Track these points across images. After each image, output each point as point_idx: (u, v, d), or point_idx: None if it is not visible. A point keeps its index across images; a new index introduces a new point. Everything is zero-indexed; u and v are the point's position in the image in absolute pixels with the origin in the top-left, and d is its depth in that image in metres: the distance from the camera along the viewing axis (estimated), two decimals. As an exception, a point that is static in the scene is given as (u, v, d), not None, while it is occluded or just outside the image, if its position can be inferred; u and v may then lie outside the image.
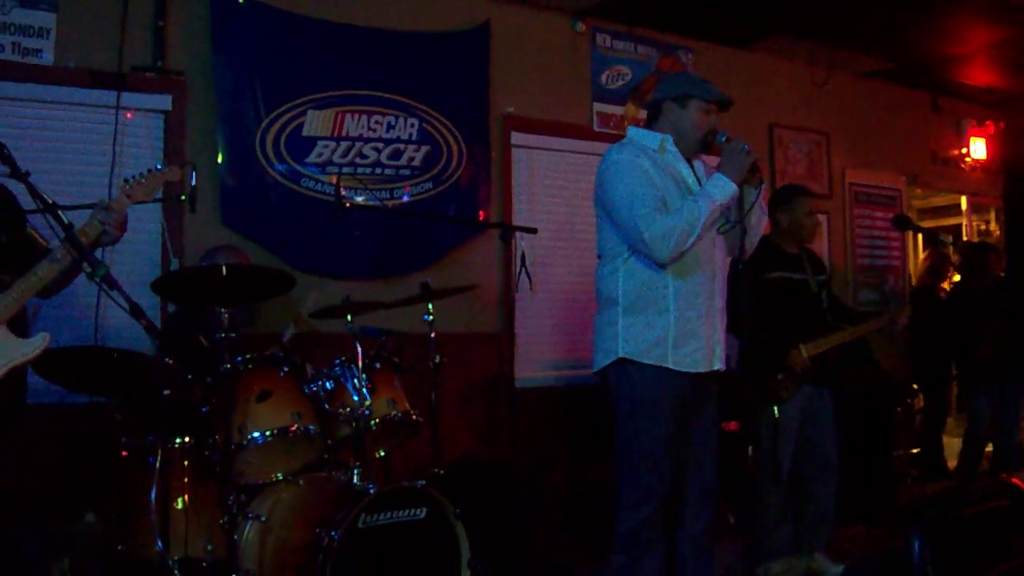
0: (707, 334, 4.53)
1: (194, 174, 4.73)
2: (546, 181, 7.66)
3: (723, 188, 4.42)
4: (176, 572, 4.48)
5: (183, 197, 4.77)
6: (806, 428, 5.80)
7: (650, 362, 4.49)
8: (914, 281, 10.03)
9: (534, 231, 5.92)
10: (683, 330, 4.48)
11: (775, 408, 5.59)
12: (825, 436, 5.85)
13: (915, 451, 9.30)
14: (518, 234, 6.03)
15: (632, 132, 4.83)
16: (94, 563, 5.12)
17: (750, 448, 4.59)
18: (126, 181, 4.11)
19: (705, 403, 4.64)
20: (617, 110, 7.93)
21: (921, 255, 10.27)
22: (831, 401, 5.92)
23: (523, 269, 5.67)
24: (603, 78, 7.96)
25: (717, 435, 4.59)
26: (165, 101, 6.19)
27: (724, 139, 4.55)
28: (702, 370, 4.52)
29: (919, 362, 9.08)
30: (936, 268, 9.16)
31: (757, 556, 5.68)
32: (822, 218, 8.97)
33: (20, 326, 3.83)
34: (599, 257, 4.75)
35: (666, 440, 4.51)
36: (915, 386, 9.38)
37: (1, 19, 5.73)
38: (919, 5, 7.70)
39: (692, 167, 4.70)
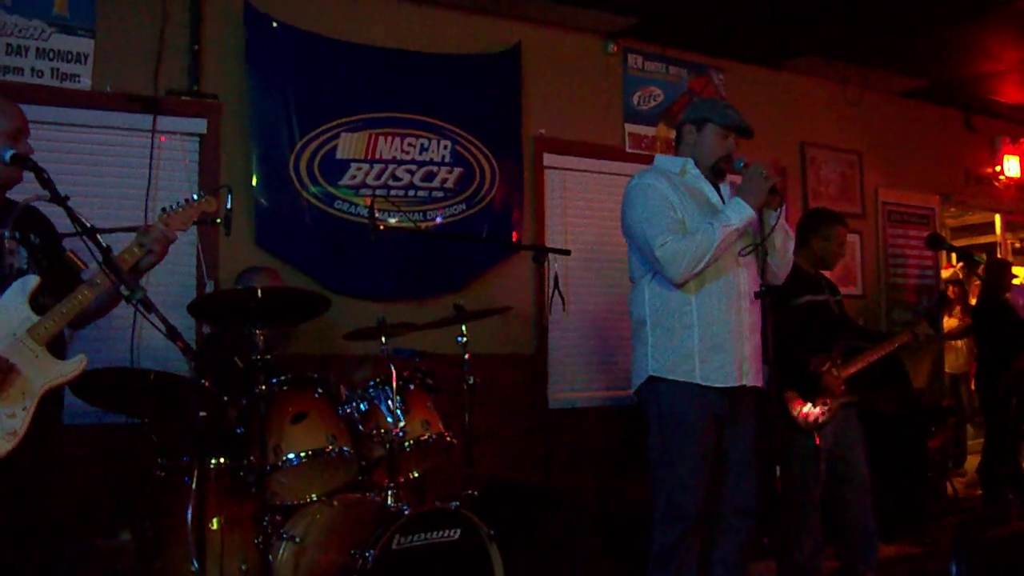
0: (735, 348, 4.55)
1: (229, 197, 4.77)
2: (578, 202, 7.67)
3: (740, 212, 4.48)
4: (211, 593, 4.50)
5: (218, 220, 4.81)
6: (838, 447, 5.80)
7: (679, 378, 4.54)
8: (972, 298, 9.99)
9: (567, 253, 5.93)
10: (709, 344, 4.51)
11: (814, 434, 5.60)
12: (856, 454, 5.87)
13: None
14: (551, 255, 6.04)
15: (657, 159, 4.95)
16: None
17: (778, 468, 4.57)
18: (164, 210, 4.13)
19: (741, 421, 4.63)
20: (649, 131, 7.94)
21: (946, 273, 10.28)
22: (860, 419, 5.92)
23: (556, 291, 5.67)
24: (635, 99, 7.97)
25: (755, 455, 4.57)
26: (200, 124, 6.24)
27: (742, 164, 4.62)
28: (732, 384, 4.54)
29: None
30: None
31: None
32: (855, 237, 8.96)
33: (59, 348, 3.86)
34: (632, 281, 4.80)
35: (698, 458, 4.52)
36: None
37: (40, 45, 5.80)
38: (952, 23, 7.67)
39: (718, 189, 4.73)
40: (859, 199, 9.42)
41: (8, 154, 3.74)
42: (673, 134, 5.00)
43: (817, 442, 5.61)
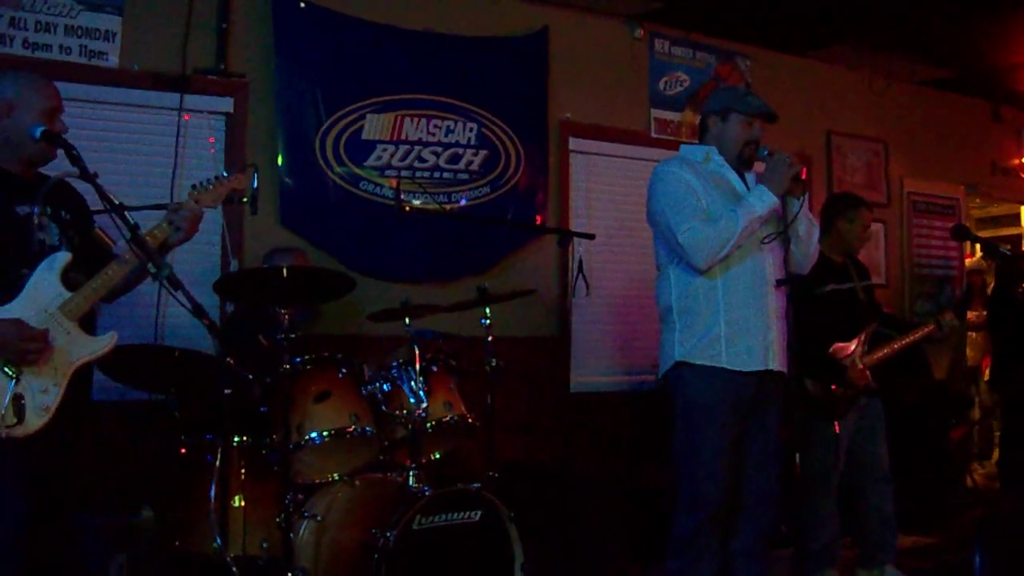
0: (761, 332, 4.56)
1: (255, 176, 4.79)
2: (603, 187, 7.66)
3: (763, 199, 4.50)
4: (234, 569, 4.51)
5: (245, 199, 4.83)
6: (859, 438, 5.80)
7: (705, 363, 4.56)
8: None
9: (592, 237, 5.91)
10: (735, 328, 4.53)
11: (835, 424, 5.60)
12: (877, 445, 5.87)
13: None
14: (575, 239, 6.05)
15: (681, 149, 4.98)
16: (151, 558, 5.18)
17: (797, 456, 4.56)
18: (194, 187, 4.16)
19: (765, 408, 4.62)
20: (675, 116, 7.93)
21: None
22: (883, 409, 5.91)
23: (580, 274, 5.67)
24: (661, 84, 7.95)
25: (778, 442, 4.57)
26: (227, 103, 6.25)
27: (766, 152, 4.63)
28: (758, 368, 4.55)
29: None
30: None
31: (807, 567, 5.68)
32: (879, 227, 8.92)
33: (89, 324, 3.90)
34: (658, 270, 4.82)
35: (722, 444, 4.52)
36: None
37: (68, 22, 5.81)
38: (980, 13, 7.62)
39: (743, 178, 4.74)
40: (884, 188, 9.39)
41: (39, 131, 3.77)
42: (699, 119, 5.00)
43: (837, 430, 5.60)
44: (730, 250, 4.47)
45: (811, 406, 5.61)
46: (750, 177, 4.80)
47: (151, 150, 6.06)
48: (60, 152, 3.86)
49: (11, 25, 5.68)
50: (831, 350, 5.63)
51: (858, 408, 5.74)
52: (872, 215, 6.18)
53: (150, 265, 3.63)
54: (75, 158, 3.70)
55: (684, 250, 4.50)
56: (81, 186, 3.97)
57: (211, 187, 4.17)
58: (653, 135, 7.86)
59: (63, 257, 3.77)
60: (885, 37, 8.31)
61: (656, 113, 7.92)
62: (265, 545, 4.75)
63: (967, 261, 10.34)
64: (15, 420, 3.50)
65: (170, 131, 6.07)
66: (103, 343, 3.82)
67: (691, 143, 5.11)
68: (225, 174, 4.28)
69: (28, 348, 3.57)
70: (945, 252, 9.91)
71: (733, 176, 4.75)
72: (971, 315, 10.01)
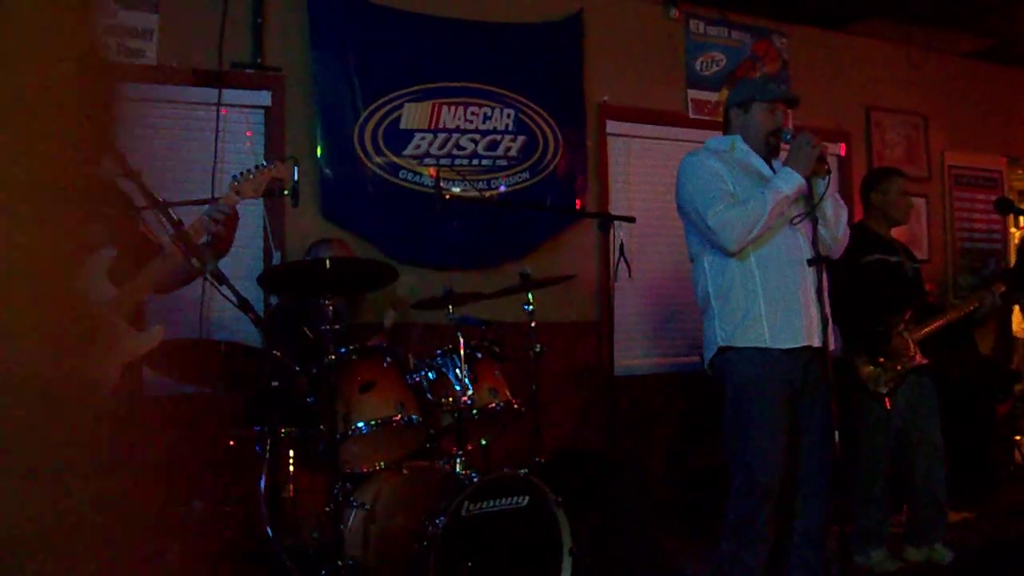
0: (802, 309, 4.54)
1: (296, 169, 4.82)
2: (642, 169, 7.65)
3: (789, 179, 4.51)
4: (286, 559, 4.55)
5: (286, 192, 4.86)
6: (910, 415, 5.77)
7: (748, 344, 4.55)
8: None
9: (632, 220, 5.89)
10: (775, 307, 4.53)
11: (886, 400, 5.58)
12: (930, 423, 5.82)
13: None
14: (615, 222, 6.04)
15: (707, 142, 4.96)
16: (202, 548, 5.23)
17: (836, 434, 4.53)
18: (234, 178, 4.18)
19: (815, 389, 4.59)
20: (712, 96, 7.89)
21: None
22: (934, 386, 5.88)
23: (622, 258, 5.66)
24: (697, 64, 7.92)
25: (831, 422, 4.54)
26: (265, 97, 6.30)
27: (790, 136, 4.65)
28: (801, 344, 4.53)
29: None
30: None
31: (856, 545, 5.66)
32: (920, 201, 8.85)
33: (137, 319, 3.93)
34: (691, 261, 4.85)
35: (774, 424, 4.51)
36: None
37: (107, 22, 5.86)
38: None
39: (770, 164, 4.75)
40: (924, 162, 9.30)
41: (80, 128, 3.79)
42: (722, 113, 5.02)
43: (888, 406, 5.59)
44: (760, 231, 4.47)
45: (860, 384, 5.60)
46: (776, 164, 4.79)
47: (190, 145, 6.12)
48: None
49: (50, 26, 5.73)
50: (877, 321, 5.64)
51: (908, 385, 5.71)
52: (906, 181, 6.14)
53: (194, 260, 3.64)
54: (117, 157, 3.72)
55: (714, 233, 4.50)
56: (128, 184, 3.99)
57: (252, 176, 4.19)
58: (691, 116, 7.83)
59: (109, 254, 3.80)
60: (923, 9, 8.22)
61: (693, 94, 7.89)
62: (315, 535, 4.78)
63: (1014, 232, 10.25)
64: (68, 417, 3.53)
65: (209, 126, 6.12)
66: (151, 337, 3.84)
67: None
68: (265, 163, 4.31)
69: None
70: (988, 225, 9.82)
71: (759, 162, 4.75)
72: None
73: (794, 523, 4.66)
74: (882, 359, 5.65)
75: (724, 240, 4.49)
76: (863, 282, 5.65)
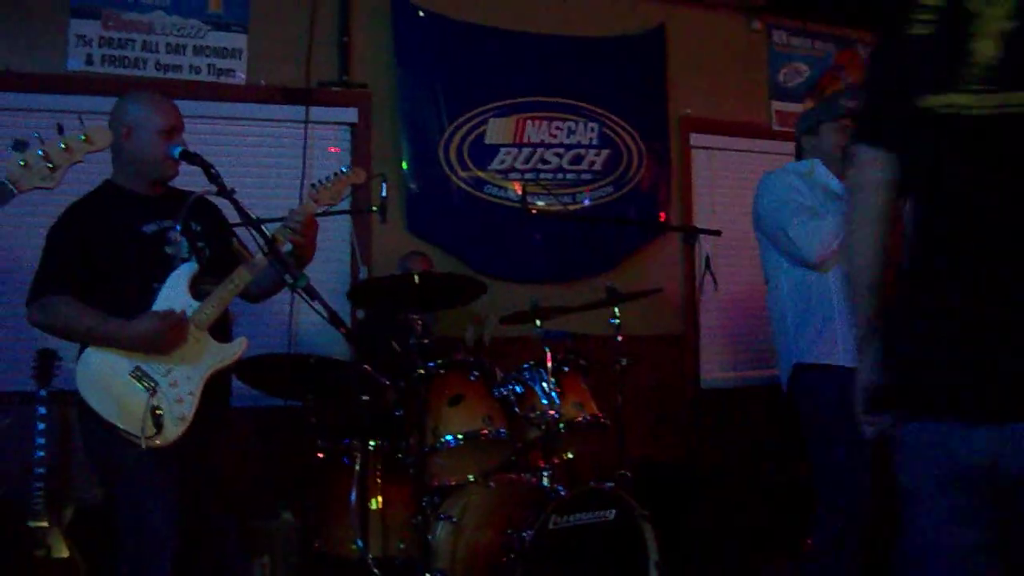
0: None
1: (384, 185, 4.89)
2: (726, 181, 7.63)
3: None
4: (375, 570, 4.59)
5: (375, 208, 4.94)
6: None
7: (823, 361, 4.49)
8: None
9: (718, 233, 5.86)
10: (851, 324, 4.46)
11: None
12: None
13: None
14: (700, 236, 6.03)
15: (786, 165, 4.89)
16: (292, 559, 5.31)
17: None
18: (312, 186, 4.22)
19: None
20: (796, 108, 7.82)
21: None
22: None
23: (708, 271, 5.65)
24: (781, 76, 7.89)
25: None
26: (351, 114, 6.40)
27: None
28: None
29: None
30: None
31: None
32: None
33: (224, 331, 4.01)
34: (766, 282, 4.83)
35: (858, 445, 4.44)
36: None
37: (197, 43, 6.00)
38: None
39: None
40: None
41: (177, 151, 3.87)
42: (795, 144, 4.98)
43: None
44: (840, 243, 4.43)
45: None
46: None
47: (279, 162, 6.24)
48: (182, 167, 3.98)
49: (144, 49, 5.90)
50: None
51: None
52: None
53: (287, 276, 3.69)
54: (213, 176, 3.78)
55: (795, 244, 4.45)
56: (216, 199, 4.06)
57: (329, 184, 4.23)
58: (774, 127, 7.80)
59: (190, 268, 3.88)
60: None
61: (777, 105, 7.86)
62: (402, 546, 4.82)
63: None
64: (154, 431, 3.60)
65: (297, 143, 6.24)
66: (233, 349, 3.92)
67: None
68: (344, 169, 4.34)
69: (170, 331, 3.69)
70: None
71: (838, 185, 4.69)
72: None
73: (900, 540, 4.61)
74: None
75: (805, 252, 4.45)
76: None
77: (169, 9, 5.98)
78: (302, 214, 4.06)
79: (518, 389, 5.11)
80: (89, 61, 5.81)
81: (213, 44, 6.06)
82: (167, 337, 3.69)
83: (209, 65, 6.05)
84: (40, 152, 3.29)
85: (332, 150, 6.40)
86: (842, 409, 4.44)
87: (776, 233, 4.58)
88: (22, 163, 3.26)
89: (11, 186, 3.25)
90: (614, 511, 4.67)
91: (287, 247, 3.99)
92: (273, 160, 6.24)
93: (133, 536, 3.71)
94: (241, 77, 6.13)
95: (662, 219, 7.14)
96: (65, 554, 4.91)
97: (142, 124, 3.90)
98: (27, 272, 3.79)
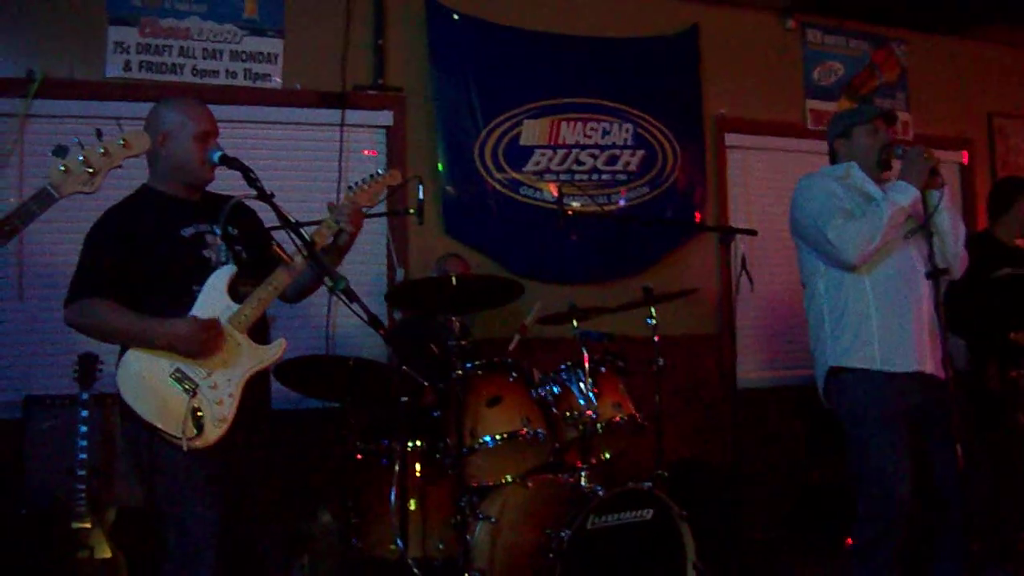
0: (915, 332, 4.50)
1: (420, 187, 4.92)
2: (761, 181, 7.63)
3: (905, 192, 4.48)
4: (416, 570, 4.62)
5: (412, 210, 4.97)
6: None
7: (859, 366, 4.51)
8: None
9: (754, 233, 5.86)
10: (888, 329, 4.49)
11: (1019, 415, 5.52)
12: None
13: None
14: (736, 235, 6.02)
15: (820, 169, 4.92)
16: (331, 559, 5.34)
17: (959, 448, 4.44)
18: (350, 188, 4.25)
19: (932, 411, 4.52)
20: (831, 107, 7.82)
21: None
22: None
23: (743, 271, 5.65)
24: (815, 75, 7.87)
25: (955, 457, 4.43)
26: (387, 117, 6.44)
27: (901, 151, 4.61)
28: (913, 368, 4.47)
29: None
30: None
31: (984, 562, 5.54)
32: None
33: (262, 333, 4.02)
34: (803, 286, 4.85)
35: (893, 447, 4.43)
36: None
37: (233, 48, 6.06)
38: None
39: (883, 188, 4.71)
40: (1052, 169, 9.12)
41: (217, 156, 3.90)
42: (828, 148, 4.98)
43: (1022, 421, 5.51)
44: (879, 243, 4.42)
45: (991, 398, 5.51)
46: (889, 186, 4.77)
47: (315, 166, 6.29)
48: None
49: (180, 54, 5.96)
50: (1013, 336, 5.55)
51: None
52: None
53: (327, 279, 3.71)
54: (252, 180, 3.80)
55: (834, 247, 4.48)
56: (253, 202, 4.09)
57: (366, 186, 4.26)
58: (809, 127, 7.78)
59: (228, 271, 3.89)
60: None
61: (812, 104, 7.84)
62: (441, 546, 4.85)
63: None
64: (195, 432, 3.62)
65: (333, 147, 6.28)
66: (272, 351, 3.92)
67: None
68: (380, 171, 4.37)
69: (206, 337, 3.71)
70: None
71: (874, 188, 4.71)
72: None
73: (935, 566, 4.61)
74: (1014, 372, 5.55)
75: (845, 254, 4.47)
76: (992, 298, 5.56)
77: (205, 15, 6.03)
78: (349, 205, 4.11)
79: (556, 390, 5.14)
80: (127, 68, 5.87)
81: (249, 49, 6.11)
82: (204, 342, 3.71)
83: (245, 70, 6.09)
84: (80, 157, 3.34)
85: (368, 153, 6.43)
86: (878, 413, 4.48)
87: (816, 236, 4.60)
88: (63, 168, 3.32)
89: (53, 191, 3.30)
90: (652, 511, 4.70)
91: (329, 239, 4.03)
92: (309, 163, 6.28)
93: (176, 537, 3.73)
94: (277, 81, 6.18)
95: (697, 219, 7.15)
96: (108, 555, 4.97)
97: (177, 130, 3.93)
98: (67, 278, 3.82)
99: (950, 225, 4.63)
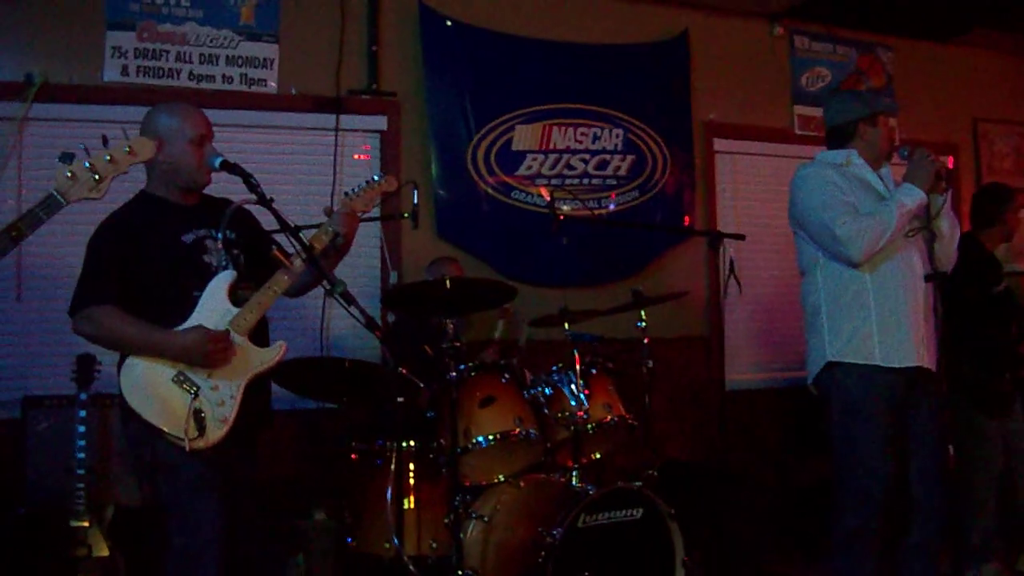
0: (913, 328, 4.54)
1: (415, 192, 4.98)
2: (749, 186, 7.70)
3: (912, 195, 4.51)
4: (411, 568, 4.67)
5: (406, 214, 5.03)
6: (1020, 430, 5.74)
7: (857, 360, 4.56)
8: None
9: (742, 238, 5.90)
10: (886, 324, 4.52)
11: (1008, 421, 5.61)
12: None
13: None
14: (725, 239, 6.08)
15: (819, 155, 4.93)
16: (326, 558, 5.40)
17: (951, 448, 4.52)
18: (346, 194, 4.28)
19: (918, 403, 4.59)
20: (818, 112, 7.77)
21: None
22: None
23: (732, 275, 5.72)
24: (803, 80, 7.95)
25: (938, 439, 4.54)
26: (381, 122, 6.51)
27: (907, 153, 4.64)
28: (911, 364, 4.53)
29: None
30: None
31: (967, 560, 5.61)
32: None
33: (262, 336, 4.05)
34: (802, 274, 4.88)
35: (881, 441, 4.50)
36: None
37: (229, 53, 6.12)
38: None
39: (880, 176, 4.76)
40: (1035, 174, 9.20)
41: (218, 161, 3.93)
42: (832, 128, 4.98)
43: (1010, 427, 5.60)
44: (886, 242, 4.46)
45: (978, 401, 5.58)
46: (886, 173, 4.82)
47: (310, 169, 6.35)
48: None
49: (177, 59, 6.02)
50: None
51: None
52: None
53: (325, 283, 3.77)
54: (253, 185, 3.85)
55: (842, 243, 4.49)
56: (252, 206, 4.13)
57: (362, 192, 4.29)
58: (797, 132, 7.86)
59: (229, 276, 3.93)
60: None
61: (799, 110, 7.92)
62: (434, 545, 4.91)
63: None
64: (196, 433, 3.65)
65: (327, 151, 6.35)
66: (272, 353, 3.96)
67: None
68: (376, 178, 4.38)
69: (215, 349, 3.75)
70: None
71: (874, 177, 4.74)
72: None
73: (906, 540, 4.66)
74: (1008, 374, 5.62)
75: (852, 251, 4.49)
76: (993, 308, 5.63)
77: (202, 20, 6.09)
78: (345, 210, 4.16)
79: (548, 391, 5.20)
80: (125, 72, 5.92)
81: (245, 54, 6.17)
82: (214, 354, 3.75)
83: (241, 75, 6.16)
84: (87, 164, 3.37)
85: (361, 157, 6.49)
86: (871, 407, 4.53)
87: (820, 231, 4.62)
88: (69, 175, 3.35)
89: (60, 197, 3.34)
90: (642, 510, 4.74)
91: (325, 240, 4.07)
92: (304, 167, 6.34)
93: (180, 536, 3.77)
94: (272, 86, 6.24)
95: (686, 223, 7.22)
96: (105, 553, 5.00)
97: (173, 135, 3.95)
98: (64, 279, 3.84)
99: (949, 230, 4.70)
